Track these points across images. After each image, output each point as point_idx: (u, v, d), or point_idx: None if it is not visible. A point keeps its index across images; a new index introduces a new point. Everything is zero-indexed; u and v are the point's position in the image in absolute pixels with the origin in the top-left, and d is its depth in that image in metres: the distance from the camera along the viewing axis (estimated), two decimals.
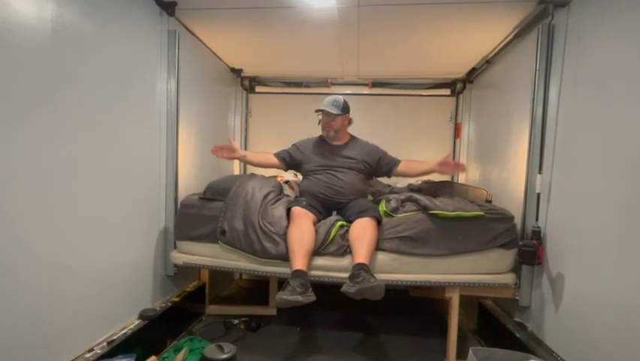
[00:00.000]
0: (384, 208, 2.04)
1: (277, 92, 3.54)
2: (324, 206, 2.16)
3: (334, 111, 2.22)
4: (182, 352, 1.91)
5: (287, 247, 1.90)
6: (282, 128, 3.44)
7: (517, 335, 1.89)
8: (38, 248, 1.34)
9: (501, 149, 2.44)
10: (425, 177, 2.92)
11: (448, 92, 3.38)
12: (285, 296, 1.68)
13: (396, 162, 2.31)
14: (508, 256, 1.93)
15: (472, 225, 1.90)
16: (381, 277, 1.86)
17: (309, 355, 2.11)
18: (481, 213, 1.90)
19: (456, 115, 3.38)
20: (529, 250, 1.80)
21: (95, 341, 1.64)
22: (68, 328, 1.50)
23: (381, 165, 2.31)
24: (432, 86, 3.38)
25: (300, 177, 2.40)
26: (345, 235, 1.96)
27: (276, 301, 1.72)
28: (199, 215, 2.10)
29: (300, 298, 1.67)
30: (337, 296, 1.81)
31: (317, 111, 2.28)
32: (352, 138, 2.36)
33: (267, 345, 2.19)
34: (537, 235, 1.81)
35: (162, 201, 2.15)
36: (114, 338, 1.71)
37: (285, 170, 2.45)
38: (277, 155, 2.37)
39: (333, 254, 1.95)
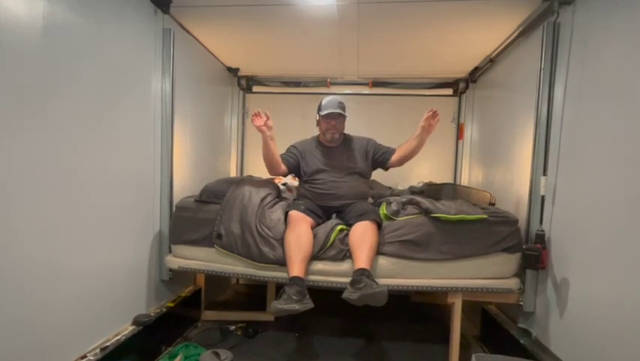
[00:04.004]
0: (385, 211, 2.00)
1: (275, 91, 3.50)
2: (324, 210, 2.12)
3: (344, 113, 2.16)
4: (178, 358, 1.89)
5: (284, 252, 1.86)
6: (280, 129, 3.34)
7: (522, 342, 1.86)
8: (30, 251, 1.32)
9: (505, 150, 2.41)
10: (427, 179, 2.87)
11: (450, 91, 3.34)
12: (281, 305, 1.65)
13: (391, 152, 2.20)
14: (512, 261, 1.90)
15: (475, 228, 1.87)
16: (382, 281, 1.82)
17: None
18: (485, 216, 1.87)
19: (458, 115, 3.34)
20: (533, 254, 1.77)
21: (87, 347, 1.61)
22: (60, 333, 1.47)
23: (376, 159, 2.23)
24: (434, 85, 3.34)
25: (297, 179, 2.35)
26: (344, 239, 1.93)
27: (271, 311, 1.68)
28: (195, 218, 2.06)
29: (296, 306, 1.64)
30: (337, 302, 1.77)
31: (328, 115, 2.14)
32: (346, 137, 2.30)
33: (265, 352, 2.15)
34: (541, 238, 1.78)
35: (157, 204, 2.11)
36: (107, 344, 1.68)
37: (286, 175, 2.37)
38: (283, 160, 2.21)
39: (333, 258, 1.91)
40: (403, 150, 2.16)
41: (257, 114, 2.08)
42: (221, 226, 1.99)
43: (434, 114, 2.03)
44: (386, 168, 2.28)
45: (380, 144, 2.27)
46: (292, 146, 2.32)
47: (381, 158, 2.22)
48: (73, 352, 1.54)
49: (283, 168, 2.20)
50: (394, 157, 2.19)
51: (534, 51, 1.89)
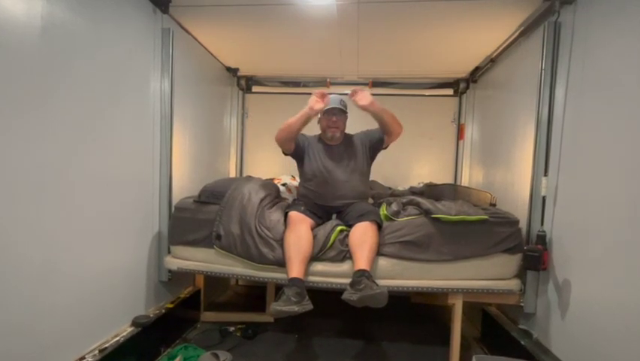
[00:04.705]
0: (385, 212, 1.99)
1: (274, 92, 3.49)
2: (324, 210, 2.11)
3: (345, 110, 2.15)
4: (177, 360, 1.88)
5: (283, 253, 1.85)
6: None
7: (522, 343, 1.85)
8: (28, 252, 1.31)
9: (505, 150, 2.40)
10: (427, 180, 2.85)
11: (451, 91, 3.33)
12: (280, 307, 1.64)
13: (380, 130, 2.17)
14: (512, 262, 1.89)
15: (475, 229, 1.86)
16: (382, 282, 1.81)
17: None
18: (485, 217, 1.86)
19: (459, 115, 3.33)
20: (534, 255, 1.76)
21: (86, 349, 1.61)
22: (59, 335, 1.46)
23: (374, 142, 2.21)
24: (434, 85, 3.32)
25: (297, 179, 2.33)
26: (344, 240, 1.91)
27: (270, 312, 1.67)
28: (194, 219, 2.05)
29: (295, 308, 1.63)
30: (336, 303, 1.77)
31: (328, 110, 2.12)
32: (347, 136, 2.28)
33: (264, 353, 2.15)
34: (542, 239, 1.77)
35: (156, 205, 2.10)
36: (106, 345, 1.67)
37: (286, 154, 2.26)
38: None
39: (333, 259, 1.90)
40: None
41: (322, 96, 2.01)
42: (220, 226, 1.98)
43: (352, 93, 2.00)
44: (386, 146, 2.23)
45: (371, 129, 2.24)
46: (302, 134, 2.25)
47: (376, 138, 2.20)
48: (71, 353, 1.53)
49: (293, 145, 2.16)
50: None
51: (535, 51, 1.88)
